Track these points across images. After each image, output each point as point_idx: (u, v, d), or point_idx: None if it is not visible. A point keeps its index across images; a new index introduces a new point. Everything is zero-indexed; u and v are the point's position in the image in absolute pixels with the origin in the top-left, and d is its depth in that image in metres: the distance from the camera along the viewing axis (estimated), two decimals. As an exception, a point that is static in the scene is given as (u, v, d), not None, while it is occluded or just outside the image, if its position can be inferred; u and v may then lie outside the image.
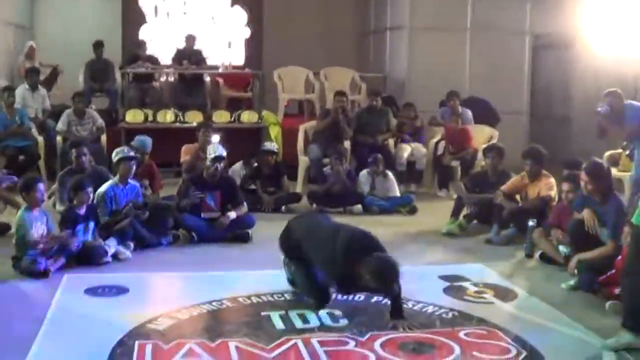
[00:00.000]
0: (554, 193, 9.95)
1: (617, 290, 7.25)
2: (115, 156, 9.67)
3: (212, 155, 10.00)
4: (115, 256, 8.75)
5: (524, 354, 6.15)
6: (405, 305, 7.06)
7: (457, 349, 6.20)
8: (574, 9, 16.39)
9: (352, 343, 6.28)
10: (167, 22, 17.99)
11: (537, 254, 9.18)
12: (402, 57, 17.08)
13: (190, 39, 16.07)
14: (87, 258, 8.43)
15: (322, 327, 6.63)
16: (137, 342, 6.17)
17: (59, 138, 13.32)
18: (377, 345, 6.22)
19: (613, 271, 7.45)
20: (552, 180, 10.07)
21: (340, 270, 6.61)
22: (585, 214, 8.17)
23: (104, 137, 13.55)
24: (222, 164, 10.13)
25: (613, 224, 7.90)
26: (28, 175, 9.00)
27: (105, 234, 8.91)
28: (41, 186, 8.34)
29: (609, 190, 8.16)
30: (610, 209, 8.00)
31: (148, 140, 11.06)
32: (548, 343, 6.39)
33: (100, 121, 13.65)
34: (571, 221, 8.51)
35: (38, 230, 8.21)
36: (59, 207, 9.56)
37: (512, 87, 17.10)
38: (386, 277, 6.40)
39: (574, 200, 8.70)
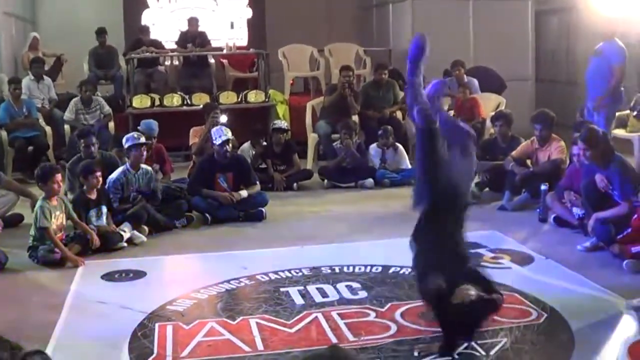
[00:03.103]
0: (564, 156, 9.94)
1: (634, 249, 7.28)
2: (125, 143, 9.65)
3: (219, 141, 9.98)
4: (130, 241, 8.76)
5: (545, 315, 6.17)
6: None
7: (477, 314, 6.21)
8: (576, -29, 16.34)
9: (372, 314, 6.31)
10: (169, 6, 17.92)
11: (551, 218, 9.19)
12: (405, 30, 16.97)
13: (193, 22, 16.03)
14: (103, 244, 8.43)
15: (342, 300, 6.65)
16: (157, 324, 6.19)
17: (66, 127, 13.30)
18: (397, 315, 6.25)
19: (629, 230, 7.46)
20: (562, 143, 10.05)
21: None
22: (597, 178, 8.15)
23: (111, 124, 13.54)
24: (229, 146, 10.10)
25: (620, 184, 7.88)
26: (45, 165, 8.98)
27: (120, 219, 8.92)
28: (58, 176, 8.32)
29: (608, 154, 8.11)
30: (614, 171, 7.97)
31: (154, 124, 11.02)
32: (567, 304, 6.41)
33: (108, 108, 13.63)
34: (584, 182, 8.50)
35: (57, 219, 8.24)
36: (70, 196, 9.56)
37: (517, 53, 17.00)
38: None
39: (581, 170, 8.70)
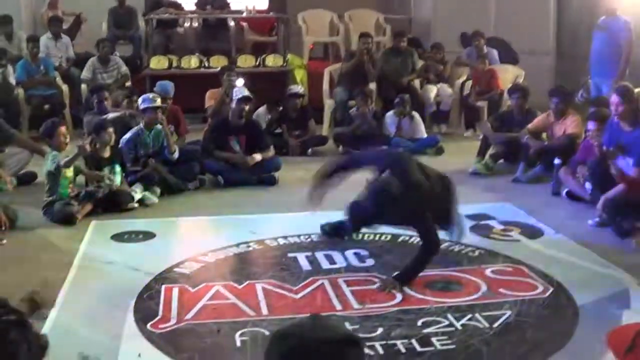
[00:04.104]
0: (580, 131, 9.87)
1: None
2: (141, 103, 9.65)
3: (239, 96, 9.99)
4: (141, 202, 8.78)
5: (551, 289, 6.16)
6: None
7: (484, 286, 6.22)
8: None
9: (378, 282, 6.30)
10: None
11: (563, 192, 9.14)
12: (427, -2, 16.92)
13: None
14: (114, 204, 8.47)
15: (349, 268, 6.68)
16: (163, 286, 6.22)
17: (83, 86, 13.29)
18: (403, 284, 6.25)
19: None
20: (578, 117, 9.99)
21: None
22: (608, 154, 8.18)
23: (128, 84, 13.51)
24: (247, 106, 10.12)
25: (638, 150, 7.89)
26: (47, 121, 8.95)
27: (132, 179, 8.95)
28: (63, 129, 8.40)
29: (637, 115, 8.14)
30: (637, 136, 7.97)
31: (170, 85, 11.01)
32: (575, 279, 6.40)
33: (125, 68, 13.62)
34: (590, 162, 8.51)
35: (67, 172, 8.29)
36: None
37: (538, 26, 16.84)
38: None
39: (601, 136, 8.67)
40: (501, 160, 10.60)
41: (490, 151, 10.59)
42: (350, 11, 16.75)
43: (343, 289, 6.15)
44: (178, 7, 15.96)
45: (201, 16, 15.82)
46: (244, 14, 16.14)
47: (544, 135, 10.35)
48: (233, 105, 10.10)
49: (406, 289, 6.14)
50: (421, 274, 6.37)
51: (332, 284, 6.24)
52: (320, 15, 16.58)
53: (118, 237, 7.59)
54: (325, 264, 6.74)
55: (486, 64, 13.58)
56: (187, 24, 16.25)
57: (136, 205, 8.69)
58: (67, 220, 8.00)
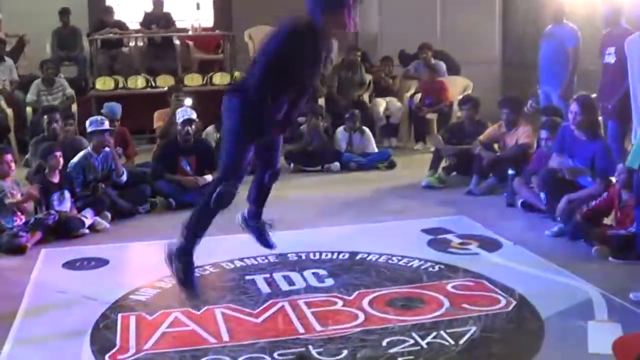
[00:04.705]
0: (532, 140, 9.88)
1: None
2: (89, 126, 9.49)
3: (182, 119, 9.86)
4: (92, 227, 8.59)
5: (514, 303, 6.11)
6: (390, 261, 7.05)
7: (446, 302, 6.15)
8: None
9: (339, 303, 6.21)
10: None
11: (518, 203, 9.12)
12: (373, 11, 16.85)
13: (158, 2, 15.84)
14: (64, 231, 8.28)
15: (308, 288, 6.55)
16: (120, 315, 6.06)
17: (28, 109, 13.11)
18: (365, 303, 6.16)
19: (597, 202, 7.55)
20: (530, 127, 10.00)
21: None
22: (554, 162, 8.22)
23: (74, 106, 13.32)
24: (192, 127, 9.97)
25: (601, 162, 7.92)
26: None
27: (81, 205, 8.76)
28: (8, 156, 8.24)
29: (596, 126, 8.18)
30: (598, 147, 8.03)
31: (117, 107, 10.90)
32: (536, 291, 6.35)
33: (70, 90, 13.44)
34: (542, 172, 8.52)
35: (14, 199, 8.14)
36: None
37: (484, 35, 16.91)
38: None
39: (553, 142, 8.71)
40: (454, 173, 10.59)
41: (443, 164, 10.56)
42: (297, 27, 16.63)
43: (304, 310, 6.04)
44: (123, 26, 15.79)
45: (146, 35, 15.68)
46: (190, 32, 16.06)
47: (496, 146, 10.36)
48: (178, 127, 9.98)
49: (367, 308, 6.06)
50: (382, 292, 6.33)
51: (292, 306, 6.12)
52: (267, 31, 16.42)
53: (70, 265, 7.40)
54: (284, 286, 6.61)
55: (434, 76, 13.61)
56: (132, 44, 16.09)
57: (87, 231, 8.50)
58: (16, 250, 7.79)
